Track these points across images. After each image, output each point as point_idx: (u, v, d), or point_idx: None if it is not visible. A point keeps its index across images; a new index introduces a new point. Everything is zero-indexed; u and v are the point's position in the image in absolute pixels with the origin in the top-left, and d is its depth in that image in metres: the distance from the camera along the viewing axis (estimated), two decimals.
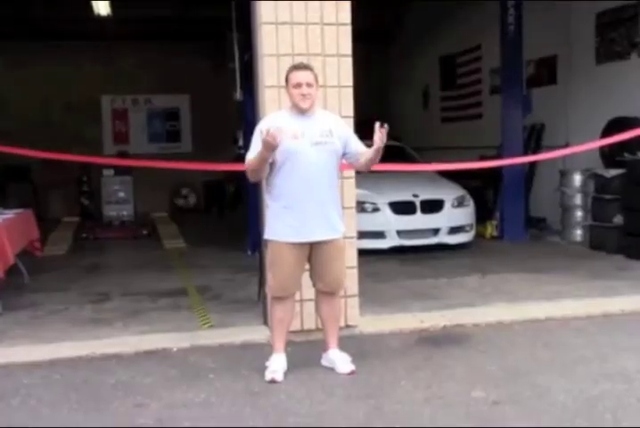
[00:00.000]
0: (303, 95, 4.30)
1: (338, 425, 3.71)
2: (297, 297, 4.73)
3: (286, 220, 4.36)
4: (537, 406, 3.89)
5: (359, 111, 5.25)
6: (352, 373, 4.44)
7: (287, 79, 4.39)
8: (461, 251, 8.94)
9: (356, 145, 4.50)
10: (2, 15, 12.08)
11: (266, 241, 4.50)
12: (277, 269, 4.45)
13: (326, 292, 4.59)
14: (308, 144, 4.30)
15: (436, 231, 8.96)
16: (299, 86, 4.29)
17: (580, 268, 7.68)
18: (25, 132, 12.66)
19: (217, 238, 10.52)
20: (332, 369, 4.52)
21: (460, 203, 9.18)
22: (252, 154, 4.32)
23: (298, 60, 5.04)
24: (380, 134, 4.22)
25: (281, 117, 4.43)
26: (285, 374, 4.39)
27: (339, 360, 4.53)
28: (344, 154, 4.49)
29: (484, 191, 10.63)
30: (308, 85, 4.30)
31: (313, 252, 4.44)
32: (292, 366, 4.49)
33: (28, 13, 12.54)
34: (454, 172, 9.22)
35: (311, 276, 4.58)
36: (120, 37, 13.61)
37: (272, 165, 4.35)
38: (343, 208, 4.81)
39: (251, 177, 4.47)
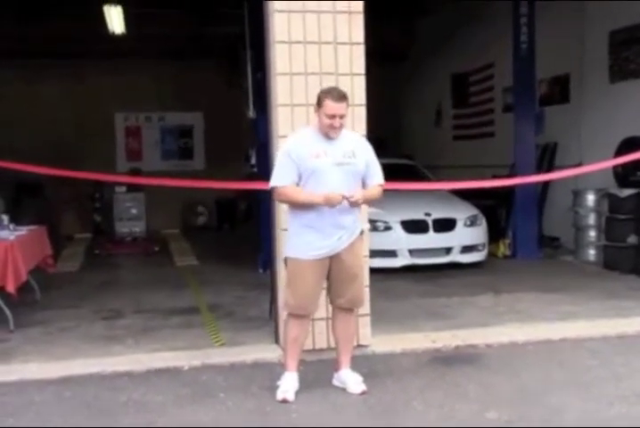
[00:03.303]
0: (335, 128, 4.30)
1: None
2: None
3: (307, 238, 4.35)
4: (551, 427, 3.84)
5: (372, 129, 5.26)
6: (364, 393, 4.42)
7: (320, 103, 4.31)
8: (473, 270, 8.90)
9: (372, 172, 4.47)
10: (15, 33, 12.19)
11: (287, 258, 4.48)
12: (297, 287, 4.43)
13: (345, 309, 4.57)
14: (331, 163, 4.30)
15: (448, 250, 8.92)
16: (332, 117, 4.27)
17: (594, 288, 7.62)
18: (38, 149, 12.70)
19: (229, 255, 10.51)
20: (343, 389, 4.49)
21: (472, 222, 9.15)
22: (284, 179, 4.32)
23: (311, 79, 5.08)
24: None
25: (306, 137, 4.41)
26: (297, 393, 4.37)
27: (350, 380, 4.51)
28: None
29: (496, 210, 10.59)
30: (342, 117, 4.28)
31: (333, 267, 4.42)
32: (304, 385, 4.47)
33: (41, 31, 12.64)
34: (466, 191, 9.20)
35: (328, 294, 4.57)
36: (134, 54, 13.70)
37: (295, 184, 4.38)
38: None
39: (281, 202, 4.59)
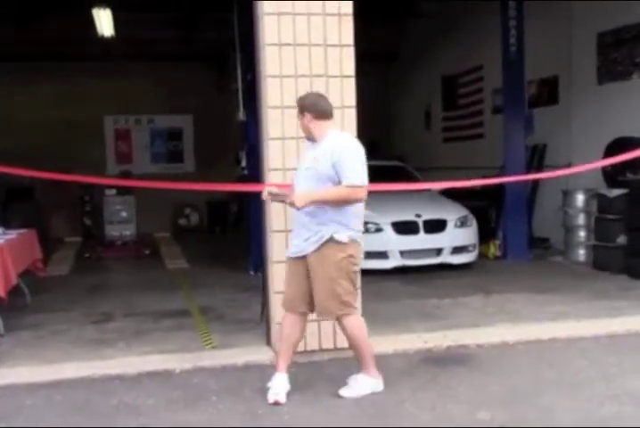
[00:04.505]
0: None
1: None
2: None
3: (290, 236, 4.65)
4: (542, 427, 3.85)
5: (363, 131, 5.26)
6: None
7: None
8: (464, 271, 8.92)
9: (340, 174, 4.28)
10: (5, 36, 12.17)
11: None
12: (285, 282, 4.63)
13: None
14: (303, 169, 4.50)
15: (439, 251, 8.93)
16: None
17: (584, 288, 7.65)
18: (28, 152, 12.66)
19: (220, 258, 10.51)
20: (334, 391, 4.46)
21: (463, 223, 9.17)
22: None
23: (301, 81, 5.09)
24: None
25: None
26: (289, 395, 4.36)
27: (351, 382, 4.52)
28: None
29: (487, 211, 10.62)
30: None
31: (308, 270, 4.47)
32: (296, 387, 4.46)
33: (31, 34, 12.61)
34: (456, 192, 9.21)
35: None
36: (124, 57, 13.68)
37: None
38: None
39: None
